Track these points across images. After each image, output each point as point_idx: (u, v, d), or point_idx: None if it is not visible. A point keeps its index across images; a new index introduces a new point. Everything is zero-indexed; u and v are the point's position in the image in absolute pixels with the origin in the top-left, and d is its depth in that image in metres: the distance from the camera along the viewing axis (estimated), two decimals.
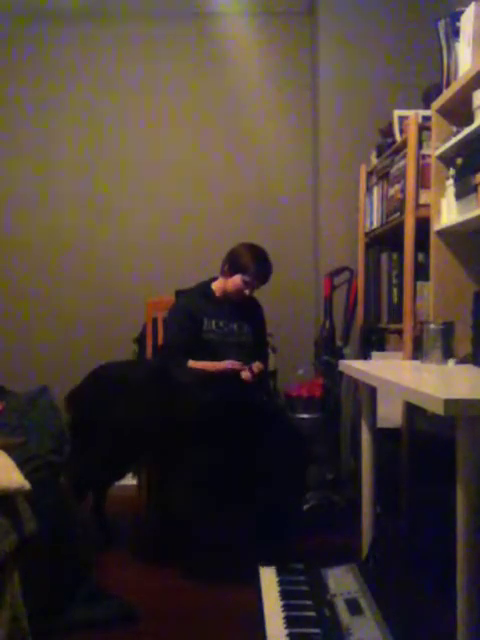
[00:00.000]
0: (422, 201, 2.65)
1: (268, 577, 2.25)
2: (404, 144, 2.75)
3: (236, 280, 2.84)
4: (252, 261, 2.82)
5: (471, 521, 1.40)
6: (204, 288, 2.98)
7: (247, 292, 2.86)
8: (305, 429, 3.14)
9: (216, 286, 2.96)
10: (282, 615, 1.96)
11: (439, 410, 1.36)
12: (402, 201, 2.76)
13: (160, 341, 3.13)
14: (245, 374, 2.74)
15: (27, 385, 2.50)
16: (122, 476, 2.98)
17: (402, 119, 2.87)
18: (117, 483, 3.00)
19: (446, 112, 2.41)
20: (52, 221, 3.99)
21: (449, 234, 2.44)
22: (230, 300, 2.91)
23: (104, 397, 2.70)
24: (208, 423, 2.47)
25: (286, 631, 1.87)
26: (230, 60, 3.93)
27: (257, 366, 2.84)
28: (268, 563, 2.35)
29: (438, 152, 2.44)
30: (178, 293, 3.06)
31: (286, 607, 2.01)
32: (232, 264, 2.86)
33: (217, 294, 2.94)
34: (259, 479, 2.47)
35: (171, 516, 2.68)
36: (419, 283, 2.70)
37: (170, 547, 2.70)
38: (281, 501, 2.55)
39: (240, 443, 2.48)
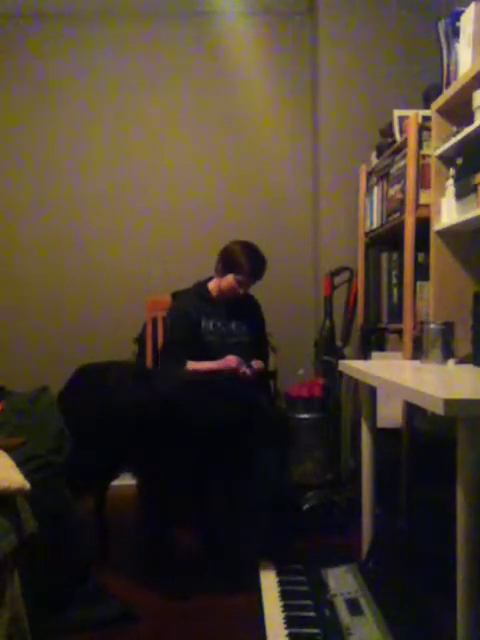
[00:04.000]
0: (422, 201, 2.65)
1: (268, 577, 2.25)
2: (404, 144, 2.75)
3: (230, 279, 2.84)
4: (245, 259, 2.82)
5: (471, 521, 1.40)
6: (200, 288, 2.97)
7: (241, 291, 2.86)
8: (305, 429, 3.14)
9: (212, 286, 2.96)
10: (282, 615, 1.97)
11: (439, 410, 1.36)
12: (402, 201, 2.76)
13: (160, 341, 3.13)
14: (243, 370, 2.74)
15: (27, 385, 2.50)
16: (115, 477, 2.96)
17: (402, 119, 2.87)
18: (118, 483, 3.00)
19: (446, 112, 2.41)
20: (52, 221, 3.99)
21: (449, 234, 2.44)
22: (227, 299, 2.91)
23: (84, 398, 2.68)
24: (190, 423, 2.44)
25: (286, 631, 1.87)
26: (230, 60, 3.93)
27: (257, 363, 2.84)
28: (268, 563, 2.36)
29: (438, 152, 2.44)
30: (175, 295, 3.06)
31: (286, 607, 2.01)
32: (225, 263, 2.86)
33: (213, 294, 2.94)
34: (254, 478, 2.47)
35: (170, 517, 2.68)
36: (419, 283, 2.70)
37: (169, 547, 2.70)
38: (276, 500, 2.55)
39: (234, 441, 2.46)
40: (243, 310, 2.95)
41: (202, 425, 2.43)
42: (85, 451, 2.54)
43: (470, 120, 2.16)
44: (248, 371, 2.75)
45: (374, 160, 3.28)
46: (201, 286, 2.98)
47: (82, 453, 2.51)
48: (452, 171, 2.38)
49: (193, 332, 2.84)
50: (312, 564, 2.35)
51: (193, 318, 2.86)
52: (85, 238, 4.00)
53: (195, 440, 2.43)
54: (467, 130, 2.18)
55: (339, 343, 3.33)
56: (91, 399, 2.63)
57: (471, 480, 1.41)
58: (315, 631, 1.87)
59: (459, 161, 2.31)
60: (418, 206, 2.66)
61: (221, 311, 2.91)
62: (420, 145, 2.67)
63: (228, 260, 2.85)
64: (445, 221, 2.42)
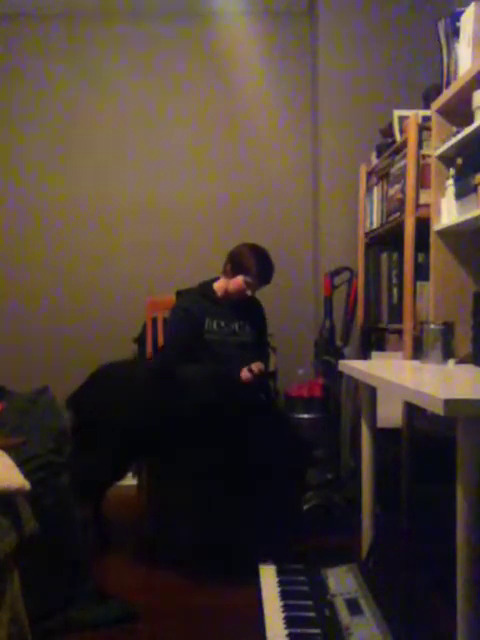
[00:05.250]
0: (422, 201, 2.65)
1: (268, 577, 2.25)
2: (404, 144, 2.75)
3: (238, 281, 2.85)
4: (255, 262, 2.82)
5: (471, 521, 1.40)
6: (205, 288, 2.98)
7: (249, 293, 2.87)
8: (305, 429, 3.14)
9: (217, 286, 2.96)
10: (282, 615, 1.97)
11: (439, 410, 1.36)
12: (402, 201, 2.76)
13: (160, 341, 3.13)
14: (245, 374, 2.74)
15: (27, 385, 2.50)
16: (123, 476, 2.97)
17: (402, 119, 2.87)
18: (117, 483, 3.00)
19: (446, 112, 2.42)
20: (52, 221, 3.99)
21: (449, 234, 2.45)
22: (231, 300, 2.92)
23: (108, 398, 2.69)
24: (209, 422, 2.47)
25: (286, 631, 1.87)
26: (230, 60, 3.93)
27: (257, 365, 2.84)
28: (268, 563, 2.36)
29: (438, 152, 2.44)
30: (179, 293, 3.06)
31: (286, 607, 2.01)
32: (234, 265, 2.86)
33: (218, 294, 2.94)
34: (259, 479, 2.47)
35: (171, 516, 2.68)
36: (419, 283, 2.70)
37: (170, 547, 2.70)
38: (281, 501, 2.55)
39: (240, 442, 2.48)
40: (246, 311, 2.96)
41: (203, 425, 2.44)
42: (99, 453, 2.55)
43: (470, 120, 2.16)
44: (249, 376, 2.76)
45: (374, 160, 3.28)
46: (206, 286, 2.98)
47: (95, 455, 2.53)
48: (452, 171, 2.38)
49: (195, 330, 2.85)
50: (312, 564, 2.35)
51: (196, 316, 2.86)
52: (85, 238, 3.99)
53: (196, 439, 2.44)
54: (467, 130, 2.18)
55: (339, 343, 3.32)
56: (112, 400, 2.64)
57: (471, 480, 1.40)
58: (315, 631, 1.87)
59: (459, 161, 2.32)
60: (418, 206, 2.66)
61: (225, 311, 2.91)
62: (420, 145, 2.67)
63: (238, 262, 2.85)
64: (445, 221, 2.42)
